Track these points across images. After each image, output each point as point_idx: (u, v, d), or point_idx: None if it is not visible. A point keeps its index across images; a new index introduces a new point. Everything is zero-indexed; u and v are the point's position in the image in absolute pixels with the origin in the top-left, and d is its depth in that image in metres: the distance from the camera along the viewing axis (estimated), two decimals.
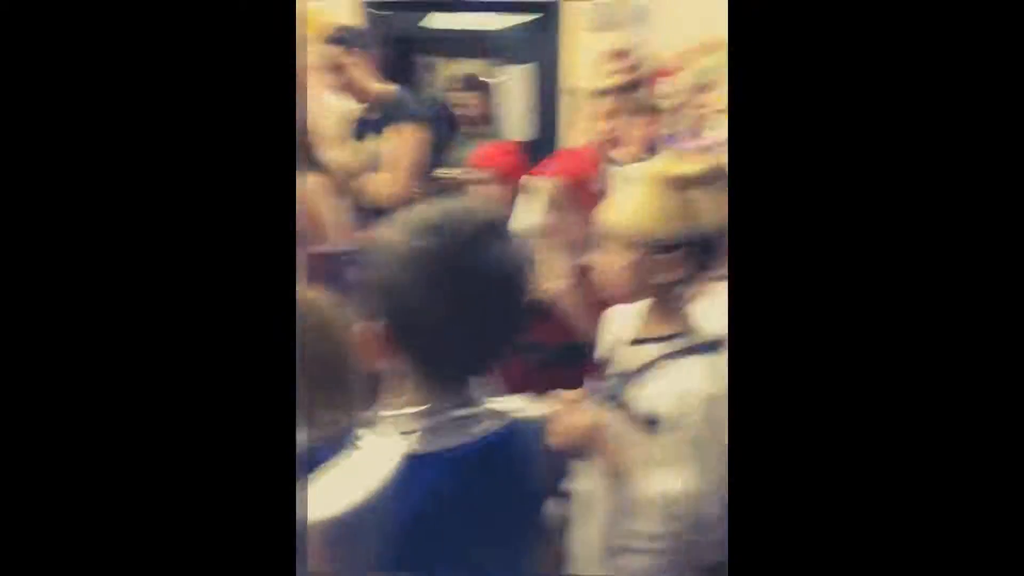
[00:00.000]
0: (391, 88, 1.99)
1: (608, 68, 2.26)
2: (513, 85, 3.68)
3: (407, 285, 0.57)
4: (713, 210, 0.89)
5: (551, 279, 1.34)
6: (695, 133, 2.72)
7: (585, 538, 1.03)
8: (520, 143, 2.93)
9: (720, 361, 0.92)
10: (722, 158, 1.12)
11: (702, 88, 2.57)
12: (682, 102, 2.55)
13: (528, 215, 1.44)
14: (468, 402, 0.64)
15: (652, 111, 1.97)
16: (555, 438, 0.92)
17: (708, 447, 0.86)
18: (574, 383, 1.04)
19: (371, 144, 1.99)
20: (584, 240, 1.39)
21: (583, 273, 1.32)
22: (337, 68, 1.87)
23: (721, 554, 0.93)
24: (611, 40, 3.27)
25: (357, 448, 0.61)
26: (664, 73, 3.33)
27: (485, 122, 2.76)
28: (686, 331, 0.92)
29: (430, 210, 0.60)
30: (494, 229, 0.59)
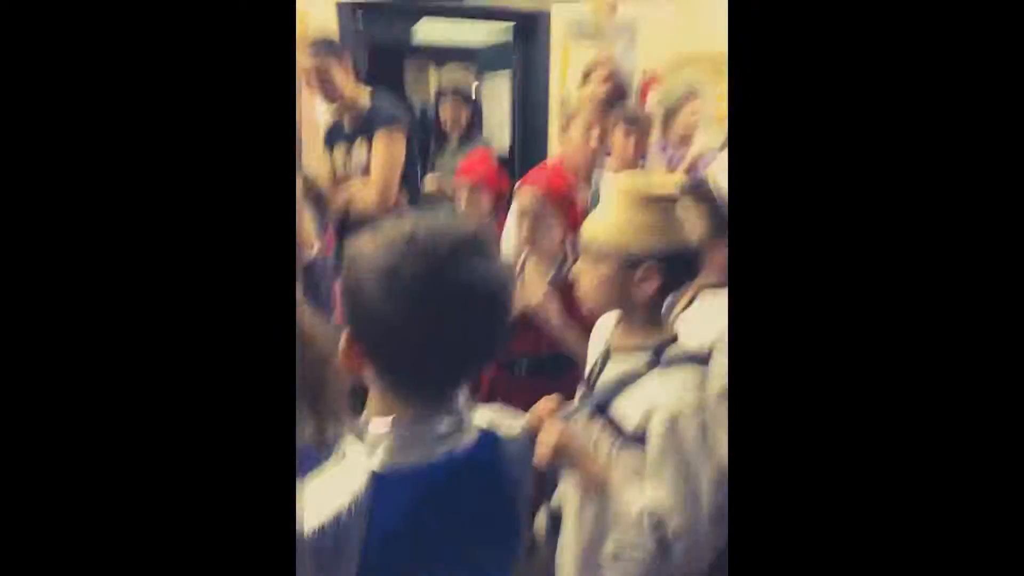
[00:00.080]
0: (370, 95, 1.97)
1: (589, 78, 2.29)
2: (497, 94, 3.69)
3: (382, 298, 0.57)
4: (692, 224, 0.90)
5: (533, 291, 1.34)
6: (684, 141, 2.76)
7: (566, 550, 1.03)
8: (499, 152, 2.94)
9: (701, 372, 0.92)
10: (700, 173, 1.13)
11: (687, 98, 2.60)
12: (668, 112, 2.58)
13: (512, 228, 1.44)
14: (448, 414, 0.64)
15: (640, 121, 1.99)
16: (536, 454, 0.93)
17: (687, 460, 0.86)
18: (558, 395, 1.05)
19: (350, 152, 1.98)
20: (566, 252, 1.40)
21: (565, 285, 1.33)
22: (319, 74, 1.85)
23: (703, 565, 0.93)
24: (594, 51, 3.31)
25: (339, 459, 0.61)
26: (650, 84, 3.37)
27: (468, 131, 2.77)
28: (665, 343, 0.92)
29: (405, 223, 0.60)
30: (471, 242, 0.59)
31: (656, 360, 0.91)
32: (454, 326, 0.58)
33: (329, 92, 1.89)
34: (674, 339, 0.94)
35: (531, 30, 3.30)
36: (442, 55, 4.99)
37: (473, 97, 2.79)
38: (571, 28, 3.34)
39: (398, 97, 2.06)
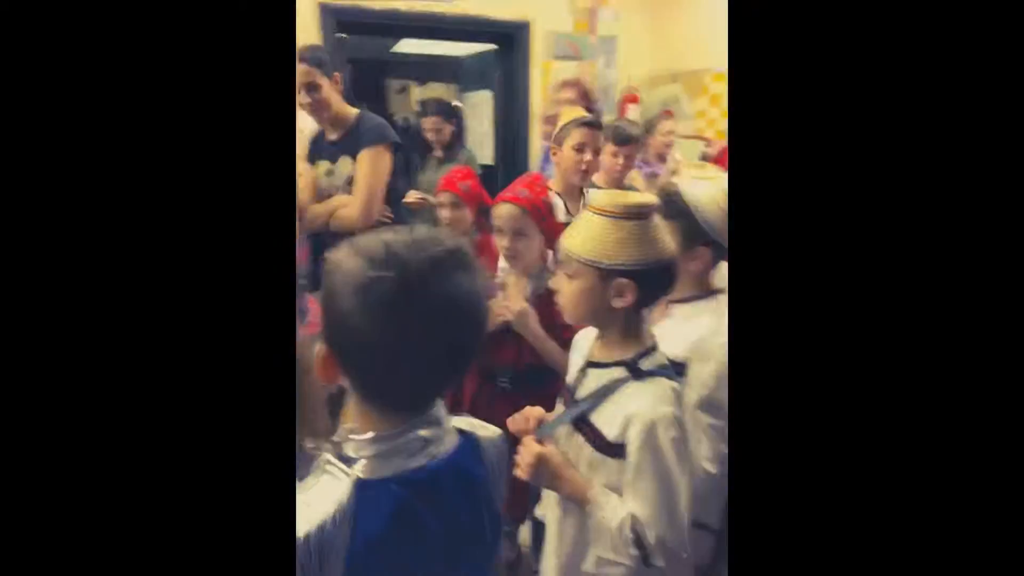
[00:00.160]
0: (354, 110, 1.98)
1: (562, 96, 2.34)
2: (479, 110, 3.72)
3: (359, 311, 0.57)
4: (666, 239, 0.92)
5: (513, 304, 1.35)
6: (660, 157, 2.81)
7: (547, 561, 1.04)
8: (482, 168, 2.97)
9: (678, 383, 0.94)
10: (674, 188, 1.16)
11: (663, 115, 2.65)
12: (646, 128, 2.63)
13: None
14: (427, 424, 0.64)
15: (622, 138, 2.03)
16: (517, 466, 0.94)
17: (665, 469, 0.87)
18: (538, 407, 1.06)
19: (332, 166, 1.98)
20: (545, 265, 1.41)
21: (545, 297, 1.34)
22: (308, 88, 1.85)
23: (685, 574, 0.94)
24: (573, 69, 3.36)
25: (319, 473, 0.61)
26: (629, 101, 3.43)
27: (451, 146, 2.79)
28: (642, 354, 0.94)
29: (384, 236, 0.61)
30: (450, 256, 0.60)
31: (634, 371, 0.93)
32: (430, 339, 0.58)
33: (316, 107, 1.89)
34: (652, 350, 0.96)
35: (515, 48, 3.34)
36: (423, 71, 5.03)
37: (455, 113, 2.82)
38: (553, 46, 3.39)
39: (382, 112, 2.07)
